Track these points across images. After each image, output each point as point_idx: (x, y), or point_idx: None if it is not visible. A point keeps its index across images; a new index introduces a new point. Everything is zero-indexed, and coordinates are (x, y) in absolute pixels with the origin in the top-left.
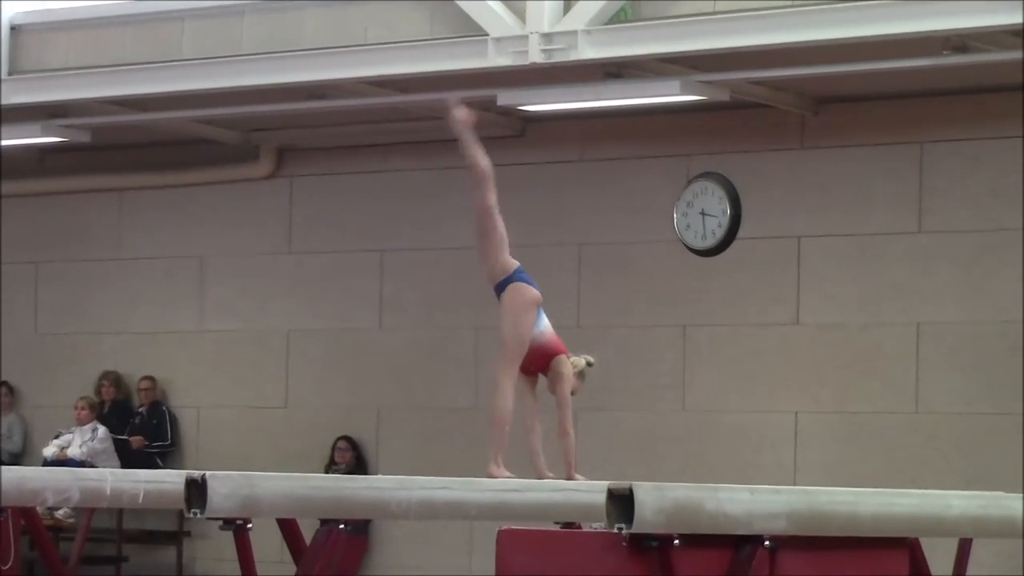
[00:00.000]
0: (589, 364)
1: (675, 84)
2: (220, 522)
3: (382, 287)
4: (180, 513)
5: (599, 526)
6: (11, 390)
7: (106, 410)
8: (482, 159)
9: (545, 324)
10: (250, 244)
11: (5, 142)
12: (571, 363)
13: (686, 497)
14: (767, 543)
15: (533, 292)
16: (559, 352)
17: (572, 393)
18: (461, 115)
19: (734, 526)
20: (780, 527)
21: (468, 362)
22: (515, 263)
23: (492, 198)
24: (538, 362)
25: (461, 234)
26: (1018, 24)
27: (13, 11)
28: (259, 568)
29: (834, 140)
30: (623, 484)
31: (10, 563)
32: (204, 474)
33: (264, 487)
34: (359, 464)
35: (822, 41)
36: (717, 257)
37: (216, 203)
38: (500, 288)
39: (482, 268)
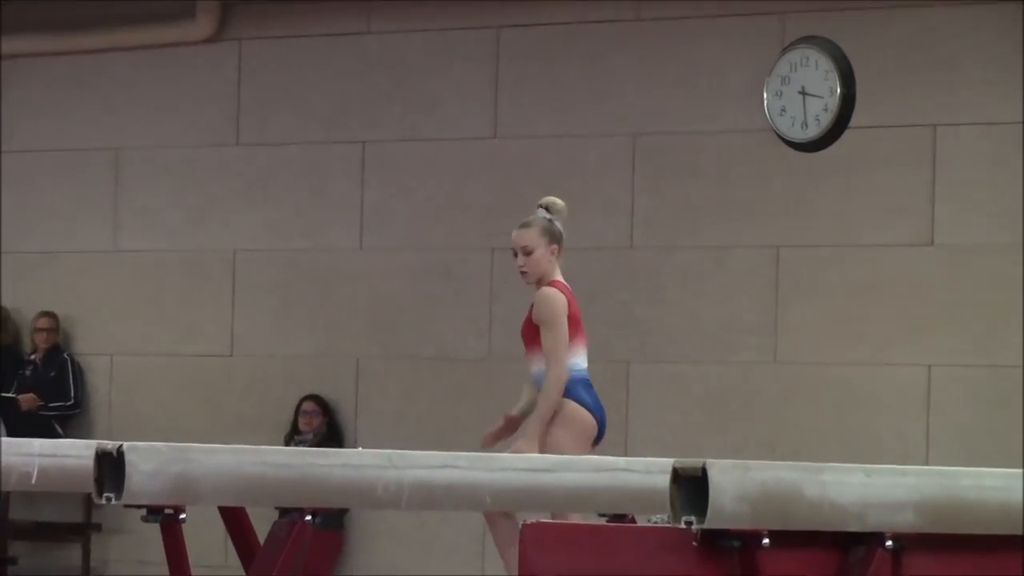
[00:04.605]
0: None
1: None
2: (143, 511)
3: (363, 192)
4: (88, 499)
5: (660, 519)
6: None
7: None
8: None
9: None
10: (183, 132)
11: None
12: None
13: (778, 480)
14: (889, 543)
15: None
16: None
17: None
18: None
19: (843, 519)
20: (906, 521)
21: (480, 295)
22: None
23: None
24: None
25: (469, 121)
26: None
27: None
28: (195, 572)
29: None
30: (693, 462)
31: None
32: (121, 445)
33: (203, 463)
34: (331, 433)
35: None
36: (822, 152)
37: (137, 76)
38: None
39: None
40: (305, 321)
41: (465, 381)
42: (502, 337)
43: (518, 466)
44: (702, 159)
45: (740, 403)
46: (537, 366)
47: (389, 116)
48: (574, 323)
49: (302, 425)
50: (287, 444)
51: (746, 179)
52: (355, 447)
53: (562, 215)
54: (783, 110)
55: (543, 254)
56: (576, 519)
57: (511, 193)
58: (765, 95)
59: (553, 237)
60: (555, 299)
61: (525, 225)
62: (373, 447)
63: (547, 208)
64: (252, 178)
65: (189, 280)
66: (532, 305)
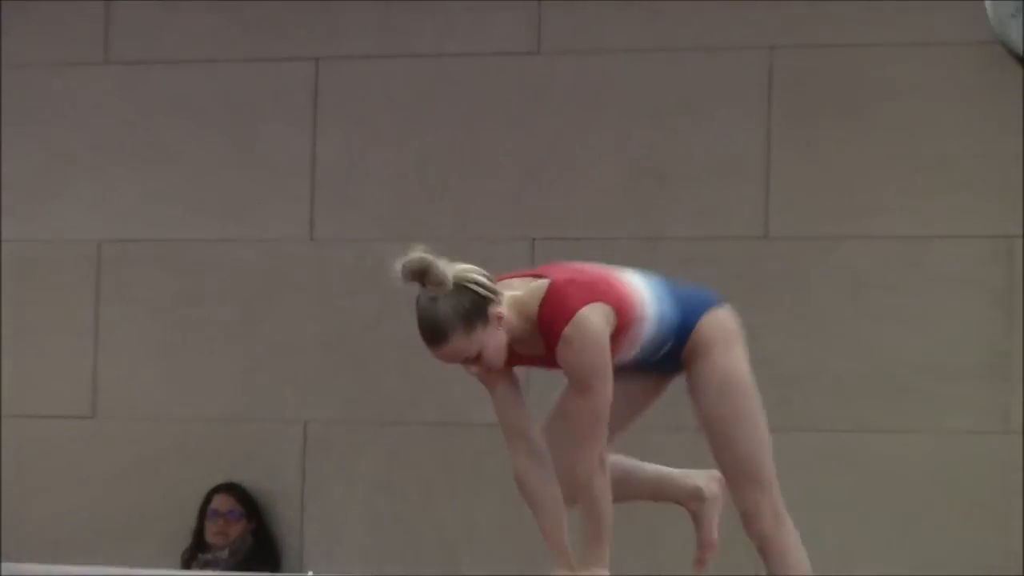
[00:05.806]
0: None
1: None
2: None
3: (316, 144)
4: None
5: None
6: None
7: None
8: None
9: None
10: (33, 45)
11: None
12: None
13: None
14: None
15: None
16: None
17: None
18: None
19: None
20: None
21: None
22: None
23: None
24: None
25: (495, 28)
26: None
27: None
28: None
29: None
30: None
31: None
32: None
33: None
34: (260, 547)
35: None
36: None
37: None
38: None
39: None
40: (217, 361)
41: (483, 458)
42: (544, 384)
43: None
44: (880, 92)
45: (952, 494)
46: None
47: (359, 17)
48: None
49: (211, 534)
50: (187, 565)
51: (954, 125)
52: (301, 571)
53: (443, 273)
54: (1018, 11)
55: (490, 343)
56: None
57: (561, 145)
58: None
59: (479, 312)
60: (599, 335)
61: (437, 339)
62: (330, 570)
63: (422, 282)
64: (130, 120)
65: (25, 292)
66: (546, 337)
